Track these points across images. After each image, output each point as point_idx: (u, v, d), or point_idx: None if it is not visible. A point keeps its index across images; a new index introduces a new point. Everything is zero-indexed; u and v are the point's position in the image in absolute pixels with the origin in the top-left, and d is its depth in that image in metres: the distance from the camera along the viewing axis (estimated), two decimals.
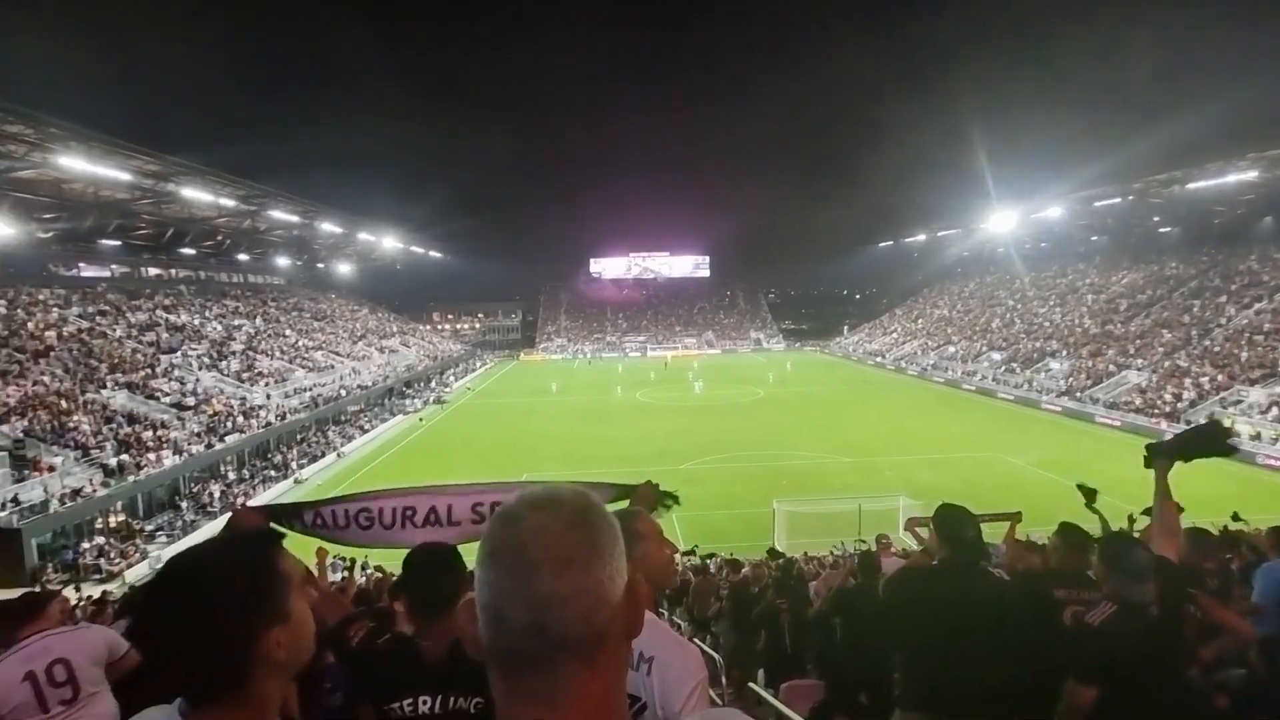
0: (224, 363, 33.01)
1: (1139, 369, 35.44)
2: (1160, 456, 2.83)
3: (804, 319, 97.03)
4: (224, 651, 0.89)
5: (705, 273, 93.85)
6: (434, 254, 71.66)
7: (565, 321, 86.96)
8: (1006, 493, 20.13)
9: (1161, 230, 49.14)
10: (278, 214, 38.38)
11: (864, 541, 11.98)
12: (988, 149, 59.99)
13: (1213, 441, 2.81)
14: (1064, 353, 42.04)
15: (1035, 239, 59.77)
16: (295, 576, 1.00)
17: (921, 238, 72.43)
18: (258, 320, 42.32)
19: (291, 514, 2.70)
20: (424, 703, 1.83)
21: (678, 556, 13.64)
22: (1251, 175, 32.73)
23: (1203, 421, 2.55)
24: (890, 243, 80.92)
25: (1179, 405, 29.84)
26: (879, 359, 61.64)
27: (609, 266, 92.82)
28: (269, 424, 28.38)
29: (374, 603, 5.22)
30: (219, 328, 37.47)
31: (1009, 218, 51.18)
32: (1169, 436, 2.92)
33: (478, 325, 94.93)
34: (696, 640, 7.67)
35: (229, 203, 33.70)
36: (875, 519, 16.00)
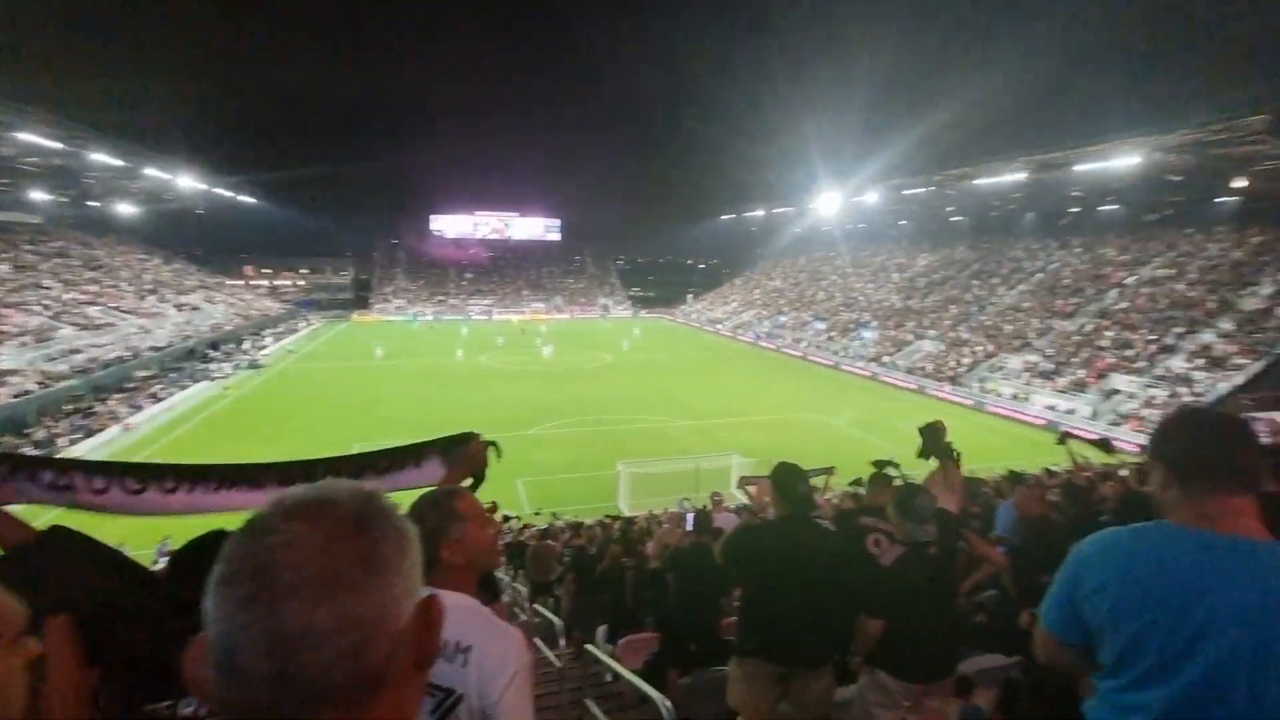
0: None
1: (931, 339, 41.03)
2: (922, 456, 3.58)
3: (651, 286, 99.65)
4: None
5: (556, 236, 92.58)
6: (245, 199, 63.08)
7: (404, 281, 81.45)
8: (825, 450, 22.41)
9: (954, 219, 56.81)
10: (26, 136, 31.30)
11: (689, 499, 12.72)
12: (816, 136, 65.13)
13: (937, 444, 3.53)
14: (874, 323, 47.41)
15: (855, 220, 66.27)
16: None
17: (760, 213, 77.14)
18: (1, 266, 34.67)
19: (22, 470, 1.98)
20: (186, 705, 1.57)
21: (511, 525, 13.49)
22: (1020, 176, 38.74)
23: (931, 421, 3.29)
24: (733, 216, 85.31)
25: (959, 370, 35.07)
26: (718, 326, 65.28)
27: (452, 224, 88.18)
28: (26, 392, 23.59)
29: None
30: None
31: (834, 199, 56.10)
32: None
33: (302, 282, 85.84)
34: (538, 604, 7.67)
35: None
36: (712, 477, 17.06)
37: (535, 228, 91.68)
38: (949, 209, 54.65)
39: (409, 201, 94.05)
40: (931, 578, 2.71)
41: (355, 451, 2.17)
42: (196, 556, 1.71)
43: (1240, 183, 33.89)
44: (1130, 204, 41.16)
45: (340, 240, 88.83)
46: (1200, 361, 27.45)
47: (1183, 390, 26.06)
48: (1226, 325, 29.01)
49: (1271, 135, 24.65)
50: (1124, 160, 31.61)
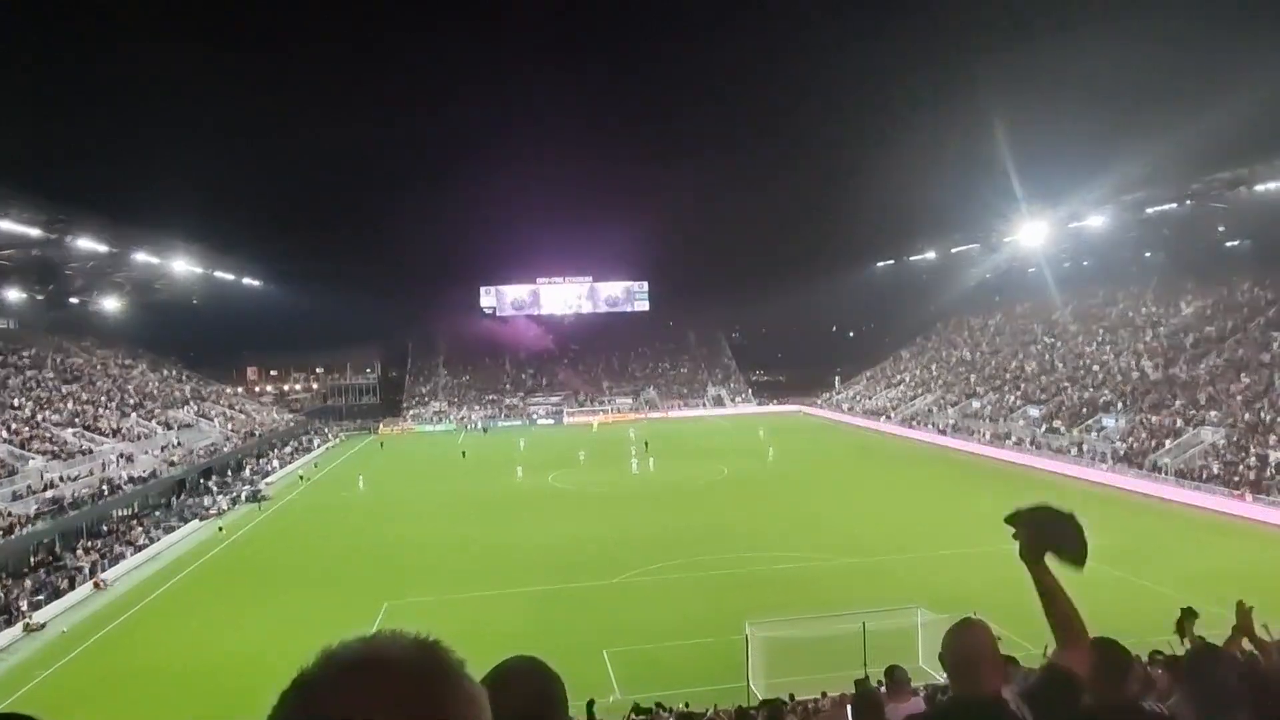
0: None
1: (1213, 424, 38.02)
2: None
3: (780, 366, 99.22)
4: None
5: (644, 304, 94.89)
6: (249, 281, 69.92)
7: (444, 376, 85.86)
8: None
9: (1229, 244, 53.70)
10: (5, 225, 36.64)
11: (864, 675, 12.16)
12: (1011, 137, 63.72)
13: (1063, 539, 2.27)
14: (1119, 405, 44.67)
15: (1075, 256, 63.97)
16: None
17: (930, 255, 76.07)
18: None
19: None
20: None
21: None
22: None
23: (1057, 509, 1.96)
24: (892, 262, 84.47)
25: (1266, 472, 32.07)
26: (884, 419, 63.67)
27: (507, 296, 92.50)
28: None
29: None
30: None
31: (1039, 229, 54.66)
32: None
33: (315, 386, 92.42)
34: None
35: None
36: (886, 642, 16.21)
37: (615, 293, 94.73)
38: (1220, 230, 51.89)
39: (449, 273, 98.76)
40: None
41: None
42: None
43: None
44: None
45: (364, 328, 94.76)
46: None
47: None
48: None
49: None
50: None
